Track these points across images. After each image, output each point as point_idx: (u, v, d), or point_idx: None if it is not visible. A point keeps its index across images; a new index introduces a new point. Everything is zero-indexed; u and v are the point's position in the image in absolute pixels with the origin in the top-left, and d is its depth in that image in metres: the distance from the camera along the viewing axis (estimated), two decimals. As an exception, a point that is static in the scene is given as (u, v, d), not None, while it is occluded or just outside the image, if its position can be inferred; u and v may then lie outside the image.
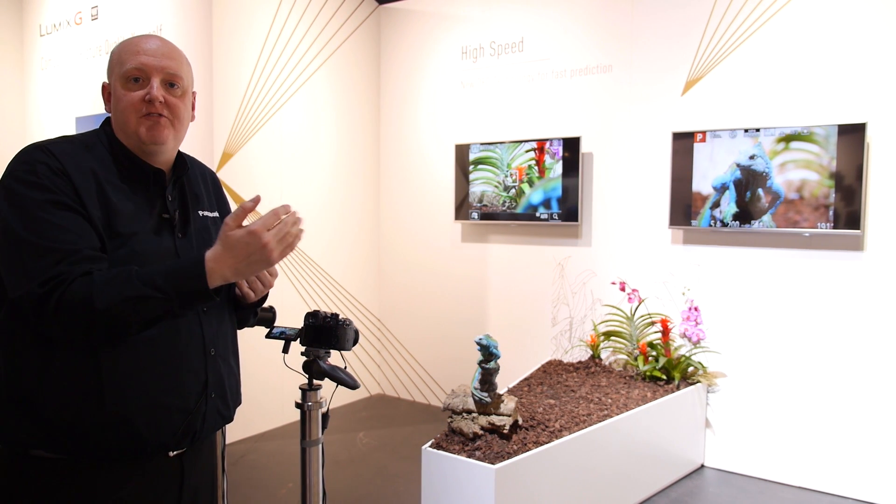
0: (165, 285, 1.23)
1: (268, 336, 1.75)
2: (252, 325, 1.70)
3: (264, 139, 4.35)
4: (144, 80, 1.36)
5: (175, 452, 1.42)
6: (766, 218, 3.54)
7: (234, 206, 3.90)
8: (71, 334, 1.25)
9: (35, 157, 1.29)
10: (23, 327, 1.29)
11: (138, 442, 1.33)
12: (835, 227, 3.36)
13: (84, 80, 4.89)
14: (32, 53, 5.44)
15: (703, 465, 3.82)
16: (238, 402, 1.59)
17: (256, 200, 1.28)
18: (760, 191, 3.56)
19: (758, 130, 3.54)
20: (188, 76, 1.44)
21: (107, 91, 1.42)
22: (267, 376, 4.25)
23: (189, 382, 1.40)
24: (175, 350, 1.37)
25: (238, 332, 1.67)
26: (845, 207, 3.33)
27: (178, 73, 1.40)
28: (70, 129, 4.89)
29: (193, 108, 1.50)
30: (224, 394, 1.50)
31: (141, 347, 1.31)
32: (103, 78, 1.45)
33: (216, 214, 1.58)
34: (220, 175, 4.04)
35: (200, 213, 1.52)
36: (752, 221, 3.59)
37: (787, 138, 3.46)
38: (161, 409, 1.35)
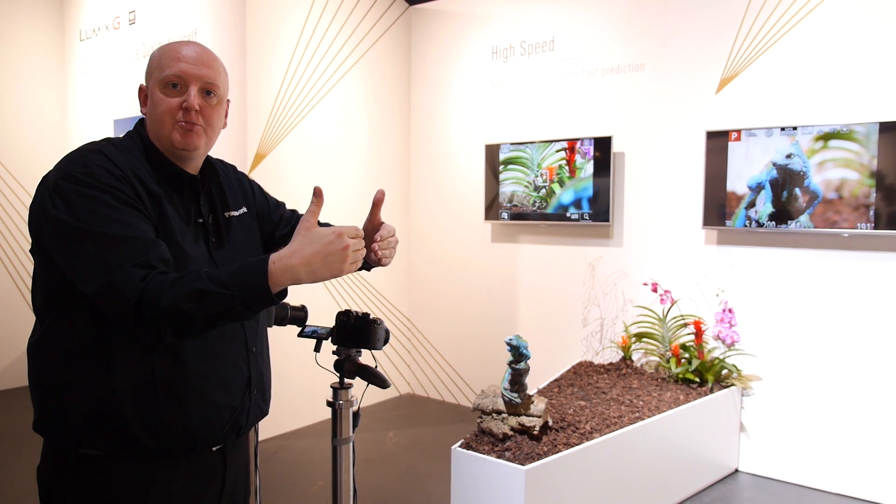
0: (228, 281, 1.19)
1: (300, 335, 1.77)
2: (284, 325, 1.72)
3: (296, 140, 4.40)
4: (182, 87, 1.37)
5: (217, 447, 1.46)
6: (804, 218, 3.47)
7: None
8: (144, 329, 1.21)
9: (91, 160, 1.29)
10: (74, 330, 1.31)
11: (191, 438, 1.37)
12: (876, 228, 3.27)
13: (122, 83, 5.01)
14: (72, 57, 5.59)
15: (737, 470, 3.76)
16: (271, 396, 1.64)
17: (321, 196, 1.28)
18: (798, 190, 3.48)
19: (795, 129, 3.47)
20: (224, 85, 1.46)
21: (143, 93, 1.43)
22: (298, 375, 4.29)
23: (236, 380, 1.45)
24: (222, 349, 1.41)
25: (269, 330, 1.69)
26: (887, 207, 3.24)
27: (215, 81, 1.41)
28: (108, 132, 5.01)
29: (226, 116, 1.51)
30: (263, 389, 1.56)
31: (192, 348, 1.35)
32: (141, 81, 1.47)
33: (244, 210, 1.59)
34: (252, 176, 4.10)
35: (227, 214, 1.54)
36: (789, 222, 3.51)
37: (826, 136, 3.38)
38: (211, 406, 1.39)
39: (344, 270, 1.25)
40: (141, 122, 1.45)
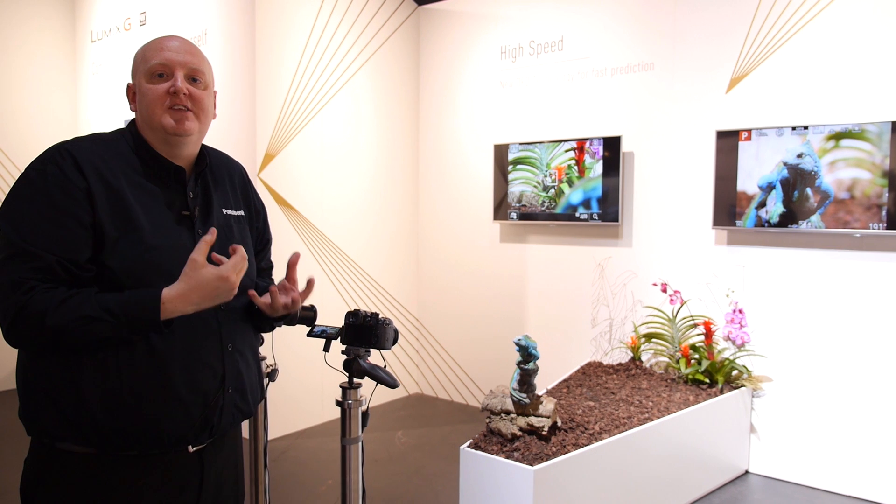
0: (118, 311, 1.27)
1: (309, 335, 1.77)
2: (294, 324, 1.72)
3: (306, 140, 4.42)
4: (168, 75, 1.41)
5: (195, 448, 1.44)
6: (815, 218, 3.44)
7: (275, 207, 3.92)
8: (19, 340, 1.29)
9: (49, 158, 1.33)
10: None
11: (157, 435, 1.36)
12: (888, 228, 3.24)
13: (133, 84, 5.04)
14: (84, 59, 5.63)
15: (747, 472, 3.74)
16: (258, 397, 1.60)
17: (213, 234, 1.34)
18: (809, 190, 3.46)
19: (806, 128, 3.45)
20: (209, 73, 1.49)
21: (131, 91, 1.47)
22: (307, 374, 4.31)
23: (205, 377, 1.42)
24: (191, 345, 1.40)
25: (278, 330, 1.69)
26: (899, 207, 3.21)
27: (199, 68, 1.45)
28: (119, 132, 5.04)
29: (214, 107, 1.53)
30: (243, 389, 1.52)
31: (158, 342, 1.35)
32: (129, 81, 1.50)
33: (242, 213, 1.60)
34: (262, 176, 4.11)
35: (224, 211, 1.55)
36: (800, 222, 3.49)
37: (837, 136, 3.36)
38: (178, 402, 1.38)
39: (230, 297, 1.37)
40: (132, 122, 1.48)
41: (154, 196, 1.40)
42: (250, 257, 1.60)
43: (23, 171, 1.34)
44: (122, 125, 1.54)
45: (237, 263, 1.34)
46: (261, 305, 1.53)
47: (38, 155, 1.37)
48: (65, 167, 1.32)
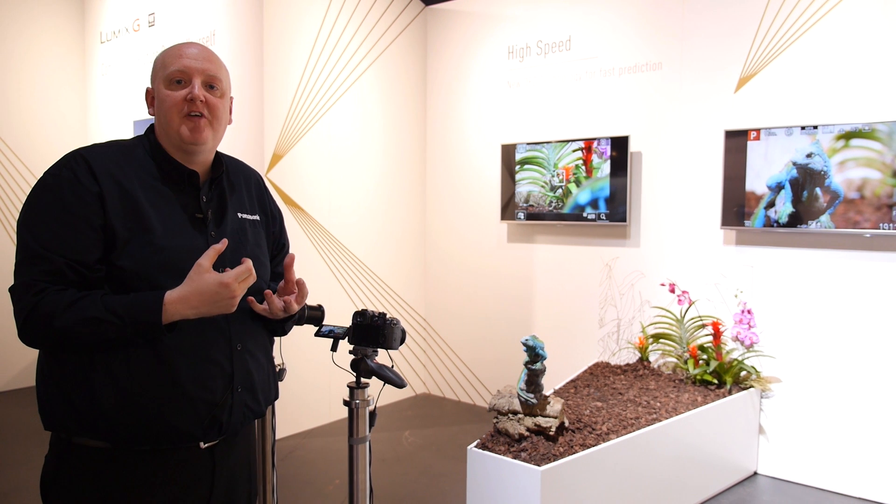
0: (123, 312, 1.30)
1: (317, 334, 1.78)
2: (302, 324, 1.73)
3: (313, 140, 4.43)
4: (186, 82, 1.44)
5: (207, 444, 1.46)
6: (825, 218, 3.42)
7: (283, 207, 3.94)
8: (31, 340, 1.33)
9: (65, 163, 1.38)
10: None
11: (165, 431, 1.38)
12: (898, 228, 3.22)
13: (142, 85, 5.06)
14: (93, 60, 5.66)
15: (756, 473, 3.72)
16: (270, 398, 1.62)
17: (224, 243, 1.36)
18: (818, 190, 3.44)
19: (815, 128, 3.43)
20: (226, 80, 1.52)
21: (150, 95, 1.50)
22: (315, 374, 4.32)
23: (213, 375, 1.44)
24: (199, 343, 1.42)
25: (287, 329, 1.69)
26: (910, 207, 3.19)
27: (217, 75, 1.48)
28: (128, 133, 5.07)
29: (231, 112, 1.57)
30: (253, 388, 1.53)
31: (166, 340, 1.37)
32: (148, 85, 1.53)
33: (257, 217, 1.63)
34: (269, 176, 4.12)
35: (239, 215, 1.57)
36: (810, 222, 3.47)
37: (847, 135, 3.34)
38: (186, 399, 1.40)
39: (231, 309, 1.38)
40: (151, 128, 1.52)
41: (167, 199, 1.44)
42: (264, 260, 1.63)
43: (41, 176, 1.39)
44: (131, 125, 1.57)
45: (241, 273, 1.35)
46: (260, 311, 1.54)
47: (56, 160, 1.41)
48: (78, 172, 1.36)
